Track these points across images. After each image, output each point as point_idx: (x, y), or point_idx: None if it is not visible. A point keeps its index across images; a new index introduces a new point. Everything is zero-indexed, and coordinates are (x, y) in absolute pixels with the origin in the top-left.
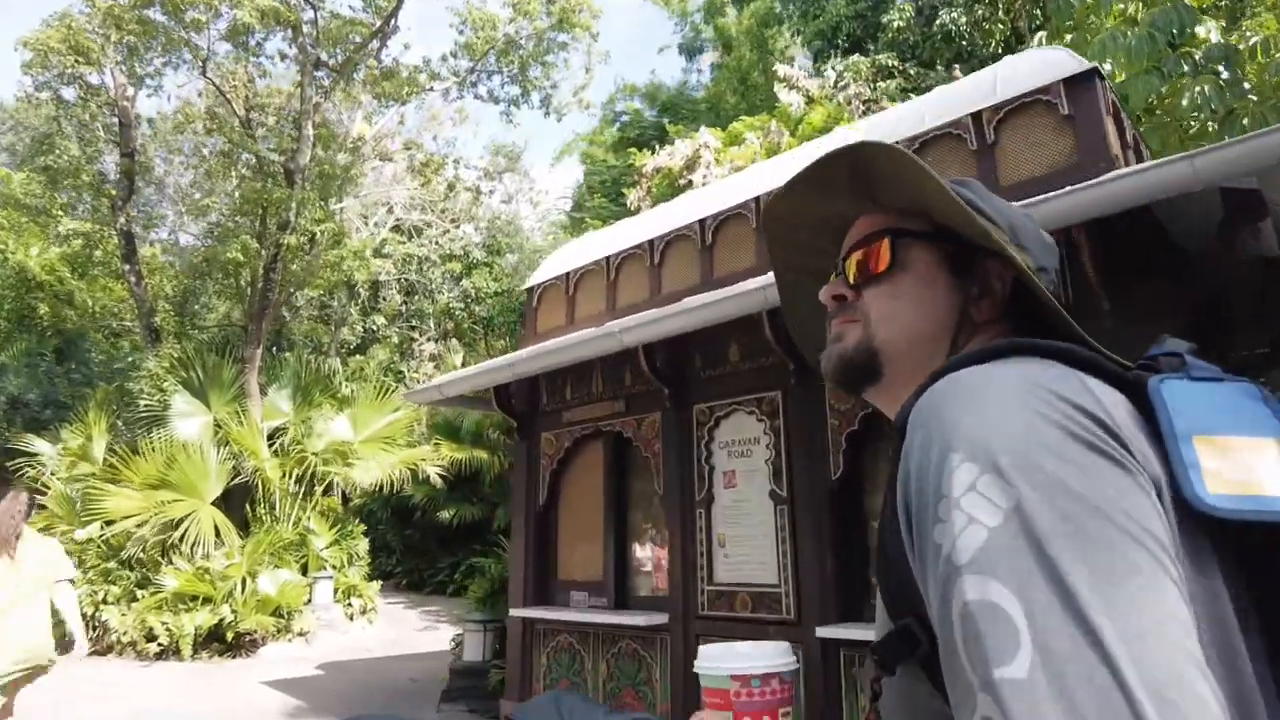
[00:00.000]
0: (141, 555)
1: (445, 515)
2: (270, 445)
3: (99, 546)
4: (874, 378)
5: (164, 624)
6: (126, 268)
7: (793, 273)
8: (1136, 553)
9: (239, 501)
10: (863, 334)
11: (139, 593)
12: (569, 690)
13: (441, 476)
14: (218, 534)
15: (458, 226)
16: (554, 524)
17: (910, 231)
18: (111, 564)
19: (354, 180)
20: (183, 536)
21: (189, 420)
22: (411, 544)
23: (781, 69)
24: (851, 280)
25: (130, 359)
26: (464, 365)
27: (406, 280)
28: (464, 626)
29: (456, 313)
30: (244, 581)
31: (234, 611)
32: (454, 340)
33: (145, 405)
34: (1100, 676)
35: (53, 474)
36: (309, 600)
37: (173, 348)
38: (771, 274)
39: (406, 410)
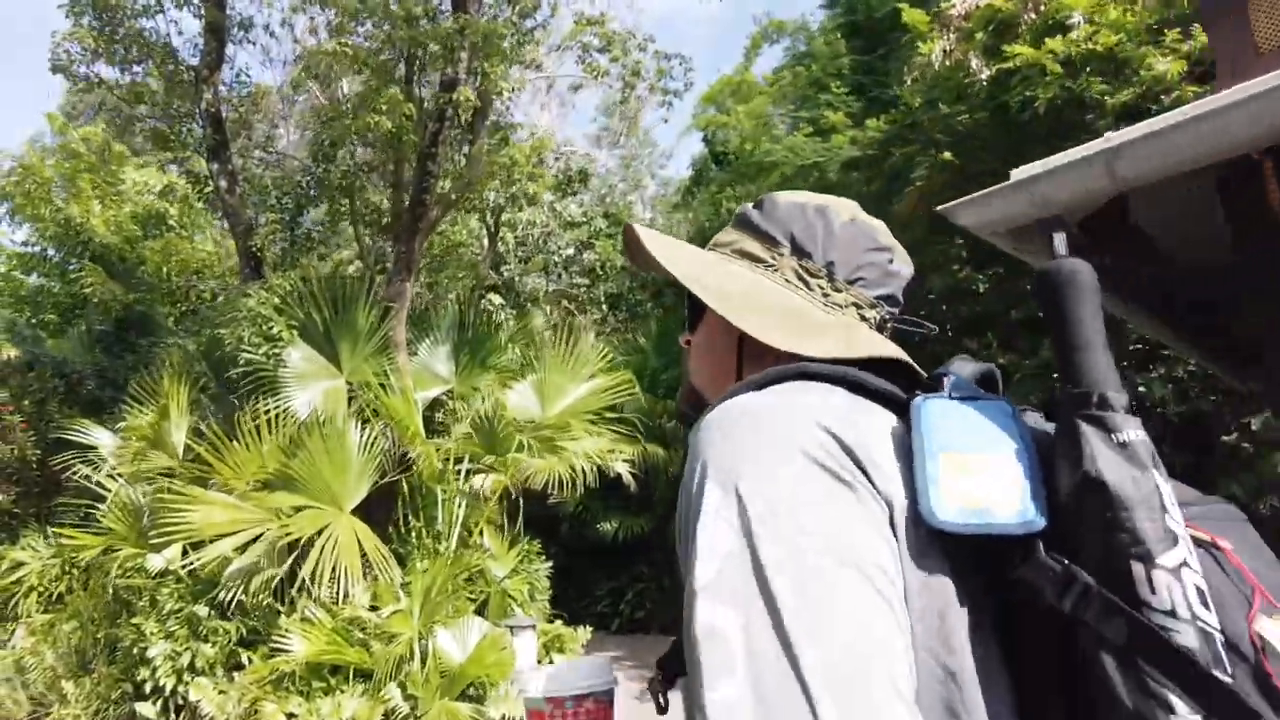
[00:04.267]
0: (245, 597)
1: (606, 528)
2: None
3: (181, 581)
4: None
5: (291, 716)
6: (214, 166)
7: None
8: (855, 583)
9: (380, 510)
10: (688, 379)
11: (245, 656)
12: None
13: (634, 475)
14: (365, 561)
15: (575, 193)
16: None
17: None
18: (200, 609)
19: (540, 34)
20: (315, 569)
21: (311, 385)
22: (555, 565)
23: None
24: (689, 328)
25: (220, 298)
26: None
27: (524, 249)
28: None
29: (579, 291)
30: (418, 641)
31: (410, 696)
32: (579, 318)
33: (247, 361)
34: (800, 710)
35: (113, 471)
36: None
37: (284, 278)
38: None
39: (605, 375)
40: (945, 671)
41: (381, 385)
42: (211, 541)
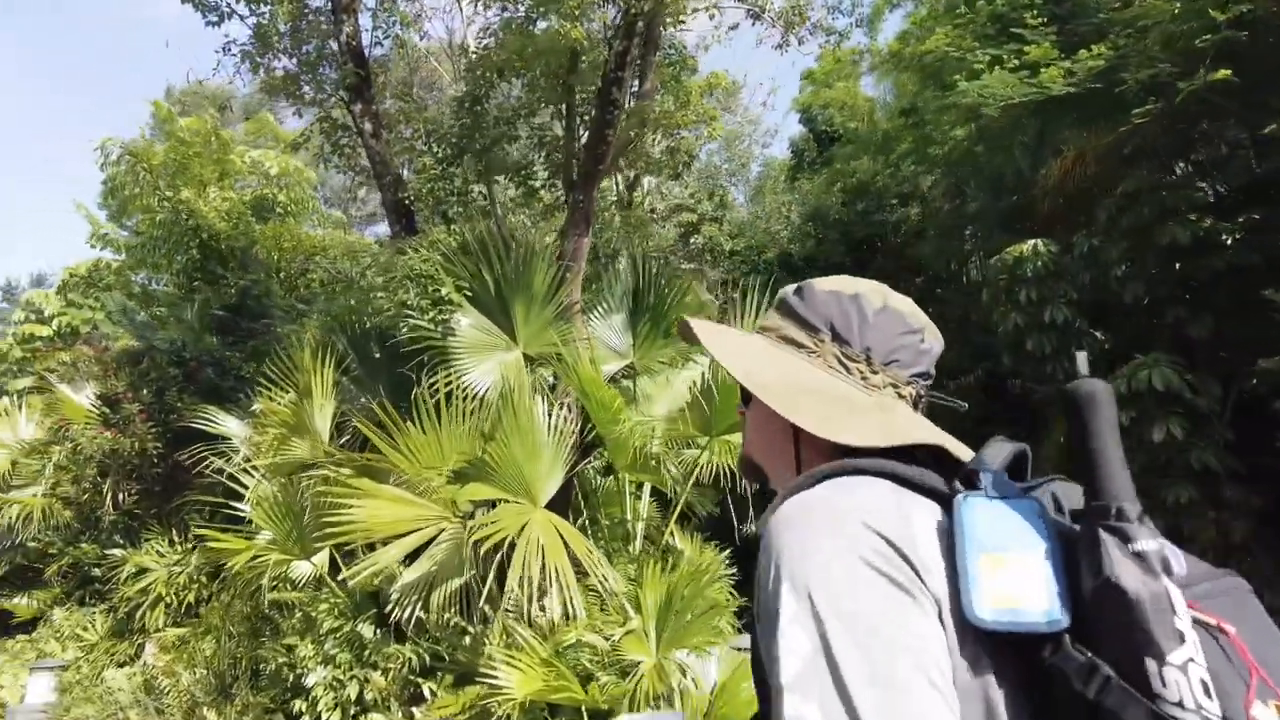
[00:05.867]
0: (424, 614)
1: (752, 530)
2: None
3: (339, 596)
4: (762, 477)
5: None
6: (357, 108)
7: None
8: (919, 681)
9: (558, 505)
10: (744, 448)
11: (426, 688)
12: None
13: None
14: (577, 569)
15: (678, 176)
16: None
17: None
18: (365, 627)
19: None
20: (521, 576)
21: (486, 358)
22: None
23: None
24: (744, 402)
25: (366, 259)
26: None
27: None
28: None
29: (684, 276)
30: (661, 671)
31: None
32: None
33: (412, 328)
34: None
35: (246, 463)
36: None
37: (448, 233)
38: None
39: None
40: None
41: (556, 360)
42: (379, 546)
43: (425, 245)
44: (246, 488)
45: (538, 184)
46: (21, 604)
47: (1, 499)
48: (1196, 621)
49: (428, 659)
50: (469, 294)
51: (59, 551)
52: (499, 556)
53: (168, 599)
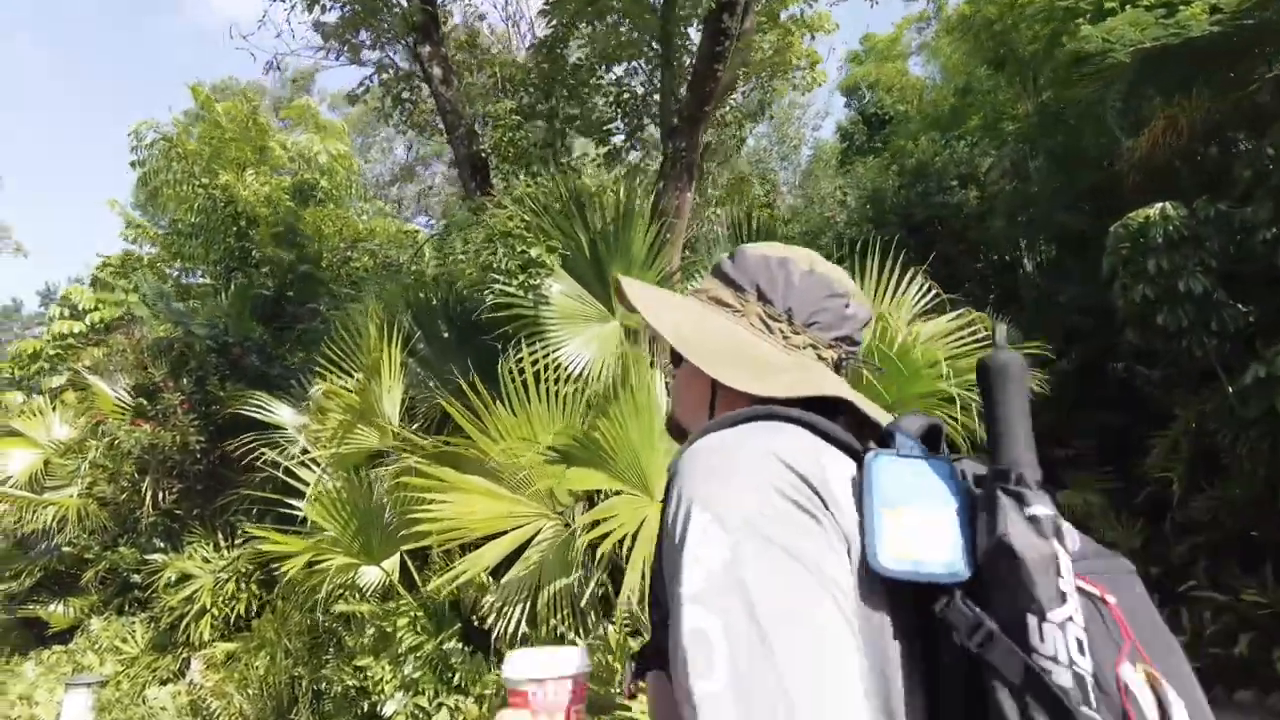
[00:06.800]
0: (529, 629)
1: None
2: None
3: (415, 607)
4: (685, 438)
5: None
6: (425, 50)
7: None
8: (822, 597)
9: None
10: (672, 407)
11: None
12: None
13: None
14: None
15: (726, 159)
16: None
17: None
18: (453, 643)
19: None
20: (641, 578)
21: (582, 330)
22: None
23: None
24: (674, 363)
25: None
26: None
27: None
28: None
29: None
30: None
31: None
32: None
33: (500, 292)
34: (776, 695)
35: (304, 455)
36: None
37: (534, 186)
38: None
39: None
40: (884, 689)
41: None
42: (443, 552)
43: (509, 201)
44: (304, 483)
45: (620, 141)
46: (57, 612)
47: (36, 500)
48: (1081, 590)
49: None
50: (564, 254)
51: (96, 556)
52: (607, 560)
53: (214, 610)
